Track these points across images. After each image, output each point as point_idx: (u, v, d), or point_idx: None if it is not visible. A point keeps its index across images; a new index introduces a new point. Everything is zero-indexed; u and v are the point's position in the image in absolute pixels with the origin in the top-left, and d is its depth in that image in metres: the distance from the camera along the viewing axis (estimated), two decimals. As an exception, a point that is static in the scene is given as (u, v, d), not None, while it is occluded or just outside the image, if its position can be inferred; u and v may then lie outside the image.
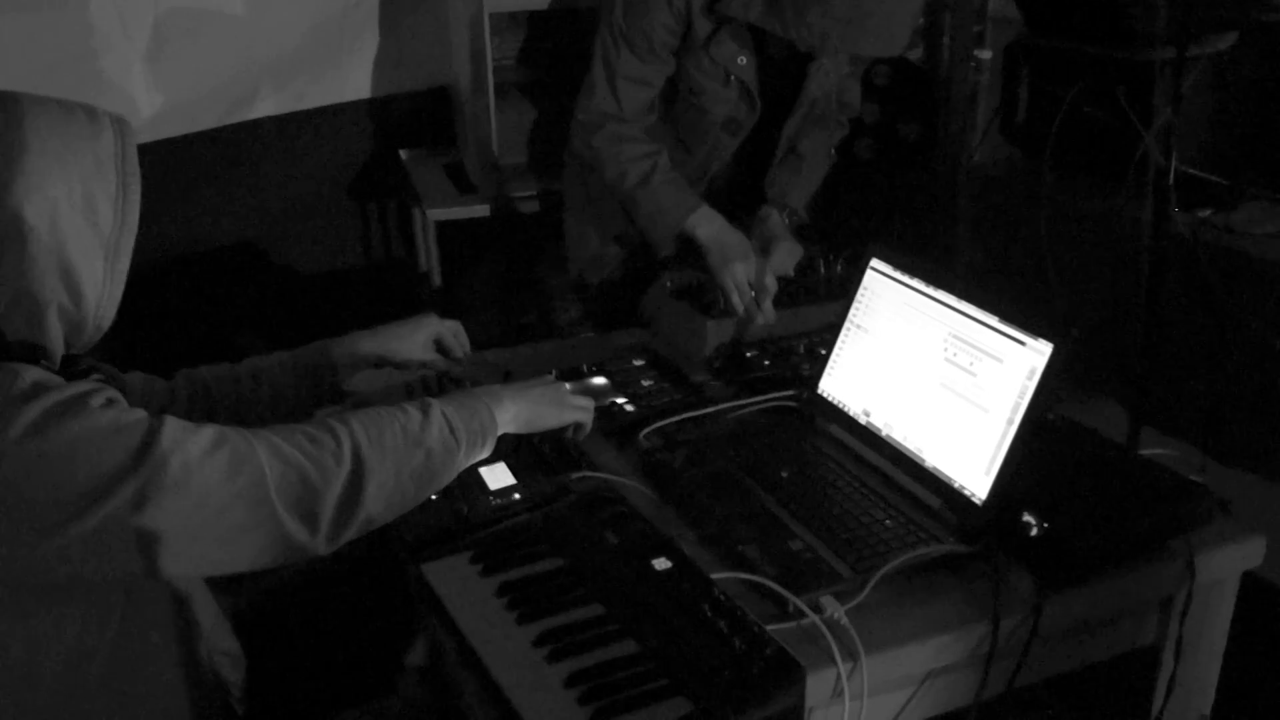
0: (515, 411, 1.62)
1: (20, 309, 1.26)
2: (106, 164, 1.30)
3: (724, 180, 2.49)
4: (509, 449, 1.71)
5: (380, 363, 1.87)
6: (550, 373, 1.88)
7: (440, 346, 1.93)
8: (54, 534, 1.19)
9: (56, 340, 1.30)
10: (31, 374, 1.23)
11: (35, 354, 1.27)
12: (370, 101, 3.52)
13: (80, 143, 1.29)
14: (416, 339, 1.89)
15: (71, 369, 1.34)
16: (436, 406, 1.51)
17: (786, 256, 2.31)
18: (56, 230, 1.26)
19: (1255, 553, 1.64)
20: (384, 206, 3.71)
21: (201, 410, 1.73)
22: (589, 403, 1.75)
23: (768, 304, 2.14)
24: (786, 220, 2.40)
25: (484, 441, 1.57)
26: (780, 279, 2.21)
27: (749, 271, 2.17)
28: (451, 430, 1.50)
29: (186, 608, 1.43)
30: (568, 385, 1.77)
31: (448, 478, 1.52)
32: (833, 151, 2.55)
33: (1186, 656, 1.62)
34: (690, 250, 2.28)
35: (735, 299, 2.15)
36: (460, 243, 3.38)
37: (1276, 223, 2.36)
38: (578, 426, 1.73)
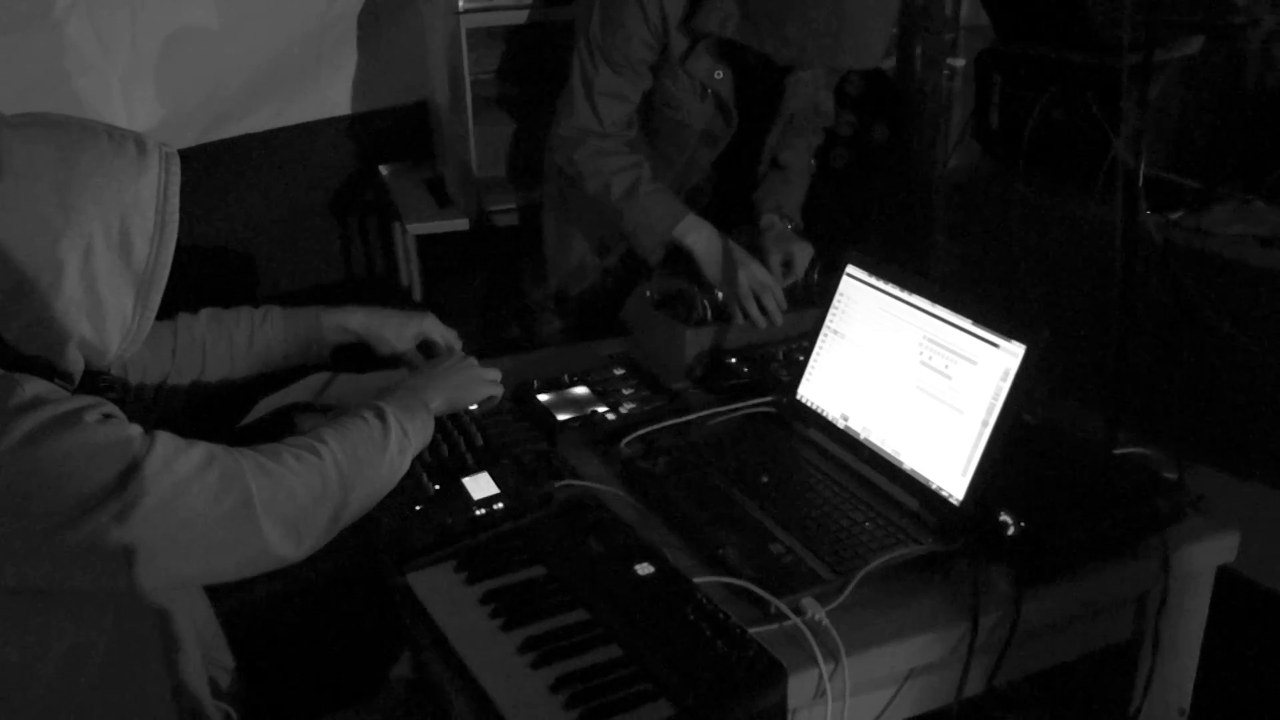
0: (442, 399, 1.75)
1: (41, 332, 1.26)
2: (148, 201, 1.30)
3: (702, 192, 2.51)
4: (491, 460, 1.75)
5: (364, 343, 1.92)
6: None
7: (426, 346, 1.96)
8: (45, 542, 1.20)
9: (75, 364, 1.31)
10: (32, 386, 1.24)
11: (50, 372, 1.28)
12: (349, 118, 3.52)
13: (125, 179, 1.28)
14: (405, 332, 1.94)
15: (93, 385, 1.35)
16: (389, 412, 1.59)
17: (803, 257, 2.31)
18: (89, 267, 1.27)
19: (1229, 548, 1.66)
20: (364, 221, 3.71)
21: (191, 361, 1.79)
22: (497, 374, 1.88)
23: (772, 304, 2.14)
24: (788, 225, 2.41)
25: (426, 436, 1.67)
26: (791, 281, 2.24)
27: (750, 277, 2.16)
28: (405, 433, 1.58)
29: (171, 618, 1.44)
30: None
31: (400, 476, 1.59)
32: (811, 161, 2.56)
33: (1164, 652, 1.63)
34: (677, 258, 2.29)
35: (752, 309, 2.14)
36: (441, 256, 3.38)
37: (1246, 223, 2.39)
38: (489, 399, 1.87)
